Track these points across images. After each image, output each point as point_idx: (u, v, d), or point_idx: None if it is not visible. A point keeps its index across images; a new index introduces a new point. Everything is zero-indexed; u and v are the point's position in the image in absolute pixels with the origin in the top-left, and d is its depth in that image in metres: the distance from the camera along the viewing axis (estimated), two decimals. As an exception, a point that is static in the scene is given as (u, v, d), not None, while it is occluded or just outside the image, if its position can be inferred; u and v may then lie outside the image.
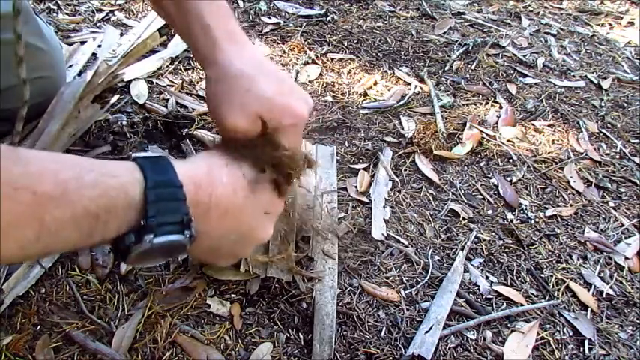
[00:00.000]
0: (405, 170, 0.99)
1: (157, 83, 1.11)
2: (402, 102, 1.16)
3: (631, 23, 1.74)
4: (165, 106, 1.04)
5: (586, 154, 1.10)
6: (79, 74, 1.05)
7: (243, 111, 0.55)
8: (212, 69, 0.58)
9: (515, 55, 1.43)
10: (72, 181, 0.39)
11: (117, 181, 0.42)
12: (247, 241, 0.57)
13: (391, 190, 0.94)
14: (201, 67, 0.62)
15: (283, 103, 0.55)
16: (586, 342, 0.74)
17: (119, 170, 0.43)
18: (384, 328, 0.72)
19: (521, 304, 0.78)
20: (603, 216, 0.97)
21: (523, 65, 1.39)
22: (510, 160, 1.06)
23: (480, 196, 0.96)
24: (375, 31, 1.44)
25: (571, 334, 0.76)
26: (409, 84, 1.24)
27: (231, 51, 0.58)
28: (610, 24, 1.73)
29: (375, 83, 1.23)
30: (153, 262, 0.51)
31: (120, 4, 1.38)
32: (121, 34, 1.22)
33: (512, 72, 1.35)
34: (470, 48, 1.41)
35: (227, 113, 0.55)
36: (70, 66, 1.07)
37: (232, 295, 0.73)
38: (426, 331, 0.71)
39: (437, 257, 0.83)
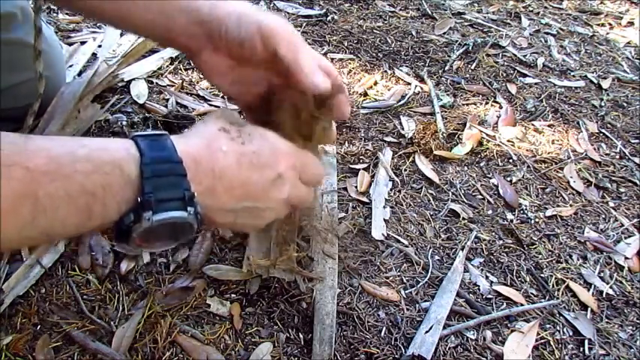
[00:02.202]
0: (405, 170, 0.99)
1: (156, 83, 1.11)
2: (402, 102, 1.16)
3: (631, 23, 1.74)
4: (165, 106, 1.04)
5: (586, 154, 1.10)
6: (79, 74, 1.05)
7: (248, 29, 0.53)
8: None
9: (515, 55, 1.43)
10: (65, 156, 0.39)
11: (110, 156, 0.41)
12: (266, 206, 0.53)
13: (391, 190, 0.94)
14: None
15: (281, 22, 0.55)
16: (586, 342, 0.74)
17: (113, 146, 0.42)
18: (384, 328, 0.72)
19: (521, 304, 0.78)
20: (603, 216, 0.97)
21: (523, 65, 1.39)
22: (510, 160, 1.06)
23: (480, 196, 0.96)
24: (375, 31, 1.44)
25: (571, 334, 0.76)
26: (409, 84, 1.24)
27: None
28: (610, 24, 1.73)
29: (375, 83, 1.23)
30: (161, 245, 0.48)
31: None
32: (121, 34, 1.22)
33: (512, 72, 1.35)
34: (470, 48, 1.41)
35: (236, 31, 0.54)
36: (70, 66, 1.07)
37: (232, 295, 0.73)
38: (426, 331, 0.71)
39: (437, 257, 0.83)
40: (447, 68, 1.32)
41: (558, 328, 0.76)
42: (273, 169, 0.50)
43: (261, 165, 0.49)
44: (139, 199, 0.42)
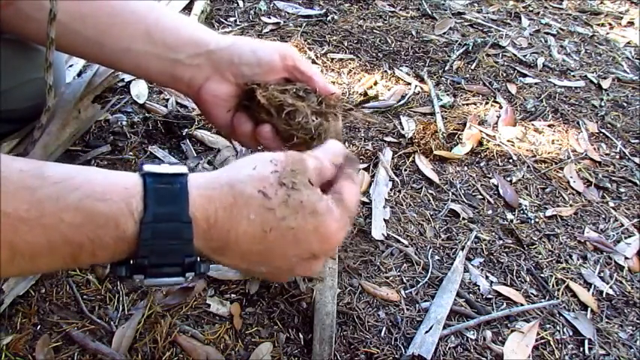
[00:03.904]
0: (405, 170, 0.99)
1: (156, 84, 1.11)
2: (402, 102, 1.16)
3: (631, 23, 1.74)
4: (166, 106, 1.04)
5: (586, 154, 1.10)
6: (79, 74, 1.05)
7: (277, 51, 0.59)
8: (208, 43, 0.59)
9: (515, 55, 1.43)
10: (50, 202, 0.34)
11: (106, 208, 0.36)
12: (285, 275, 0.48)
13: (391, 190, 0.94)
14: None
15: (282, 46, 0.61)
16: (586, 342, 0.74)
17: (112, 192, 0.37)
18: (384, 328, 0.72)
19: (521, 304, 0.78)
20: (603, 216, 0.97)
21: (523, 65, 1.39)
22: (510, 160, 1.06)
23: (480, 196, 0.96)
24: (375, 31, 1.44)
25: (571, 334, 0.76)
26: (409, 84, 1.24)
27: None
28: (610, 24, 1.73)
29: (375, 83, 1.23)
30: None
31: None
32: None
33: (512, 72, 1.35)
34: (470, 48, 1.41)
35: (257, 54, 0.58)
36: (70, 66, 1.06)
37: (232, 295, 0.73)
38: (426, 331, 0.71)
39: (437, 257, 0.83)
40: (447, 68, 1.32)
41: (558, 328, 0.76)
42: (309, 251, 0.44)
43: (295, 242, 0.42)
44: (131, 261, 0.38)
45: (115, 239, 0.36)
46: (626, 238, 0.92)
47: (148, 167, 0.39)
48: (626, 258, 0.88)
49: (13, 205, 0.33)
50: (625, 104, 1.30)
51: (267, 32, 1.36)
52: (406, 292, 0.77)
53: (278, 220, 0.41)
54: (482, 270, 0.83)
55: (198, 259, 0.40)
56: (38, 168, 0.36)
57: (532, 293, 0.80)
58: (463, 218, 0.91)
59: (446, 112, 1.16)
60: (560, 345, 0.74)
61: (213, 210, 0.39)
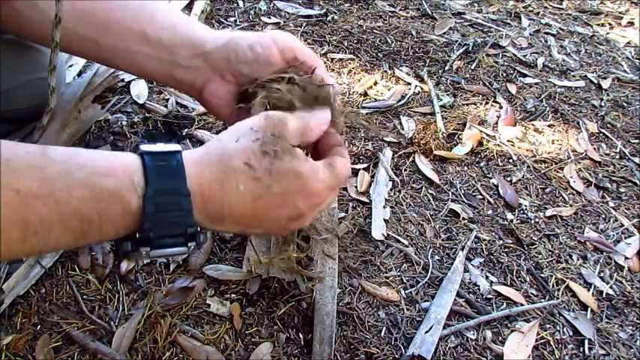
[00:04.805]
0: (405, 170, 0.99)
1: (156, 83, 1.11)
2: (402, 102, 1.16)
3: (631, 23, 1.74)
4: (166, 106, 1.04)
5: (586, 154, 1.10)
6: (79, 74, 1.05)
7: (275, 43, 0.56)
8: (204, 42, 0.58)
9: (515, 55, 1.43)
10: (60, 178, 0.36)
11: (111, 183, 0.38)
12: (279, 232, 0.51)
13: (391, 190, 0.94)
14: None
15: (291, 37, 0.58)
16: (586, 342, 0.74)
17: (116, 169, 0.39)
18: (384, 328, 0.72)
19: (521, 304, 0.78)
20: (603, 216, 0.97)
21: (523, 65, 1.39)
22: (510, 160, 1.06)
23: (480, 196, 0.96)
24: (375, 31, 1.44)
25: (571, 334, 0.76)
26: (409, 84, 1.24)
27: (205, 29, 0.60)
28: (610, 24, 1.73)
29: (375, 83, 1.23)
30: (159, 259, 0.49)
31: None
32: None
33: (512, 72, 1.35)
34: (470, 48, 1.41)
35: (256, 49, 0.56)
36: (70, 66, 1.06)
37: (232, 295, 0.73)
38: (426, 331, 0.71)
39: (437, 257, 0.83)
40: (447, 68, 1.32)
41: (558, 328, 0.76)
42: (296, 210, 0.47)
43: (282, 204, 0.46)
44: (137, 234, 0.40)
45: (121, 213, 0.38)
46: (626, 238, 0.92)
47: (145, 147, 0.42)
48: (626, 258, 0.88)
49: (24, 183, 0.34)
50: (625, 104, 1.30)
51: (267, 32, 1.36)
52: (406, 292, 0.77)
53: (265, 188, 0.44)
54: (482, 270, 0.83)
55: (199, 228, 0.43)
56: (42, 149, 0.38)
57: (532, 293, 0.80)
58: (463, 218, 0.91)
59: (446, 112, 1.16)
60: (560, 345, 0.74)
61: (206, 184, 0.42)
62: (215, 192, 0.43)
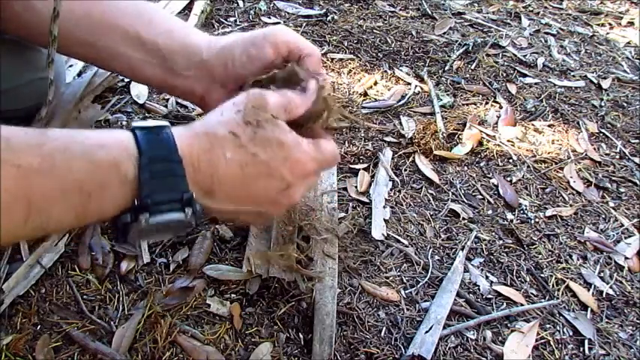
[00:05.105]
0: (405, 170, 0.99)
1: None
2: (402, 102, 1.16)
3: (631, 23, 1.74)
4: (166, 106, 1.04)
5: (586, 154, 1.10)
6: (79, 74, 1.05)
7: (268, 41, 0.56)
8: (198, 43, 0.59)
9: (515, 55, 1.43)
10: (59, 153, 0.37)
11: (107, 154, 0.40)
12: (271, 210, 0.52)
13: (391, 190, 0.94)
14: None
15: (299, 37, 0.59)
16: (586, 342, 0.74)
17: (110, 142, 0.41)
18: (384, 328, 0.72)
19: (521, 304, 0.78)
20: (603, 216, 0.97)
21: (523, 65, 1.39)
22: (510, 160, 1.06)
23: (480, 196, 0.96)
24: (375, 31, 1.44)
25: (571, 334, 0.76)
26: (409, 84, 1.24)
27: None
28: (610, 24, 1.73)
29: (375, 83, 1.23)
30: (160, 238, 0.49)
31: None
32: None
33: (512, 72, 1.35)
34: (470, 48, 1.41)
35: (250, 49, 0.56)
36: (70, 66, 1.07)
37: (232, 295, 0.73)
38: (426, 331, 0.71)
39: (437, 257, 0.83)
40: (447, 68, 1.32)
41: (558, 328, 0.76)
42: (283, 180, 0.49)
43: (269, 174, 0.48)
44: (136, 202, 0.41)
45: (118, 183, 0.40)
46: (626, 238, 0.92)
47: (135, 123, 0.44)
48: (626, 258, 0.88)
49: (25, 159, 0.35)
50: (625, 104, 1.30)
51: (267, 32, 1.36)
52: (406, 292, 0.77)
53: (251, 156, 0.46)
54: (482, 270, 0.83)
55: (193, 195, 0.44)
56: (40, 130, 0.39)
57: (532, 293, 0.80)
58: (463, 218, 0.91)
59: (446, 112, 1.16)
60: (560, 345, 0.74)
61: (196, 155, 0.44)
62: (204, 163, 0.44)
